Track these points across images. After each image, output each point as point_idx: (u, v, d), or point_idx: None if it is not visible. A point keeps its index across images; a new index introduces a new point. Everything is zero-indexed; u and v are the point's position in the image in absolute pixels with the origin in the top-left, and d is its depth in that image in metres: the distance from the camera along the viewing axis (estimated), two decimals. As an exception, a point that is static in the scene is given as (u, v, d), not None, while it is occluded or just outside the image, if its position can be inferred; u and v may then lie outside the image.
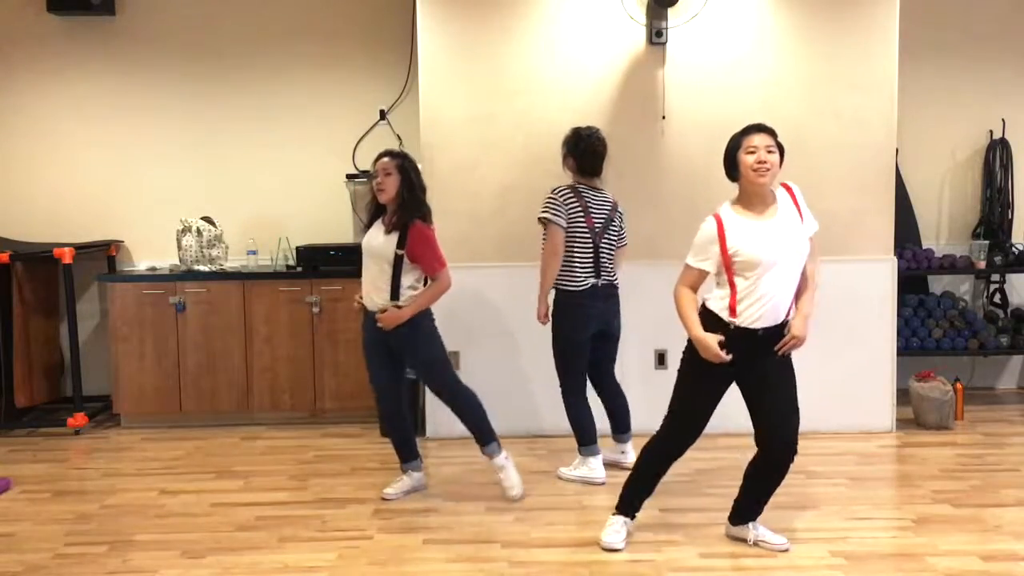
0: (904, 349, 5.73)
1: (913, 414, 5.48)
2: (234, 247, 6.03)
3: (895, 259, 5.33)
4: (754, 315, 3.46)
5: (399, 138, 6.09)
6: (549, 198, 4.43)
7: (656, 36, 5.12)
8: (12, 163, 6.20)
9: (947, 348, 5.87)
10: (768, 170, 3.47)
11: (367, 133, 6.14)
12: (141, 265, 6.18)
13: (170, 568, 3.63)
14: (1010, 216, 6.18)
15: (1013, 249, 5.97)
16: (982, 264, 5.89)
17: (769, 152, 3.49)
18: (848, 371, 5.28)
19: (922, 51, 5.91)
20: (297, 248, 5.87)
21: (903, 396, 5.50)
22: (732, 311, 3.48)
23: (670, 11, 5.08)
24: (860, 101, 5.21)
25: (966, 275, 6.23)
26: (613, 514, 3.79)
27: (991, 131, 6.18)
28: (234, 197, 6.15)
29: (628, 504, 3.78)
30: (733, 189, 5.25)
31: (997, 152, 6.16)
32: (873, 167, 5.25)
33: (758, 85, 5.21)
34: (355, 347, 5.65)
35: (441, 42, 5.24)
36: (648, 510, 4.10)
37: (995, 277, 6.24)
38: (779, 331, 3.53)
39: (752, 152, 3.49)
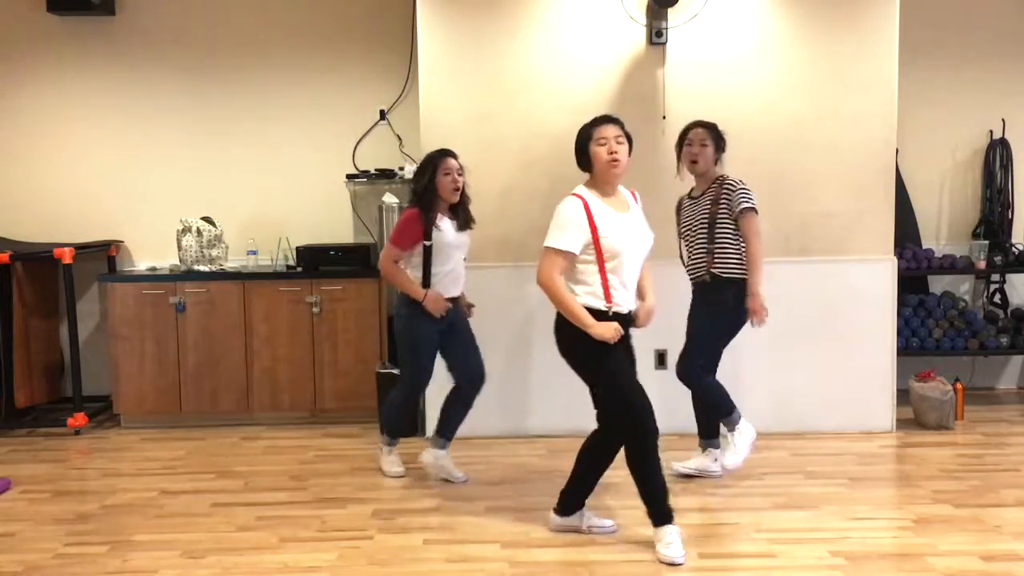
0: (904, 349, 5.73)
1: (913, 414, 5.48)
2: (234, 247, 6.03)
3: (895, 259, 5.33)
4: (620, 300, 3.65)
5: (399, 138, 6.09)
6: None
7: (656, 36, 5.12)
8: (12, 163, 6.20)
9: (947, 348, 5.87)
10: (619, 161, 3.62)
11: (367, 133, 6.14)
12: (141, 265, 6.18)
13: (170, 568, 3.63)
14: (1010, 216, 6.18)
15: (1013, 249, 5.97)
16: (982, 264, 5.89)
17: (619, 143, 3.64)
18: (848, 371, 5.28)
19: (922, 51, 5.91)
20: (297, 248, 5.87)
21: (903, 396, 5.50)
22: (607, 298, 3.62)
23: (670, 11, 5.08)
24: (860, 101, 5.21)
25: (966, 275, 6.23)
26: (664, 524, 3.65)
27: (991, 131, 6.18)
28: (234, 197, 6.15)
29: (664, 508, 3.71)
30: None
31: (997, 152, 6.16)
32: (873, 167, 5.25)
33: (758, 85, 5.22)
34: (355, 347, 5.68)
35: (441, 42, 5.24)
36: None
37: (995, 277, 6.23)
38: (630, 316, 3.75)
39: (603, 143, 3.64)
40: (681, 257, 4.64)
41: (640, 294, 3.83)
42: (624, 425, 3.66)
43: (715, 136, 4.46)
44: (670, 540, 3.60)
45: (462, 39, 5.23)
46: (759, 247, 4.30)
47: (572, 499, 3.90)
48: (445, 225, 4.44)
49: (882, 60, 5.19)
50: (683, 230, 4.56)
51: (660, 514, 3.64)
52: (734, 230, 4.34)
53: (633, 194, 3.84)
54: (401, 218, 4.51)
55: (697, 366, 4.44)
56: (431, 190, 4.40)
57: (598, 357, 3.64)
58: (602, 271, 3.61)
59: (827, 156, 5.24)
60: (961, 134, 6.20)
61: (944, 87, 6.12)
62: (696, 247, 4.44)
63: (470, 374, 4.58)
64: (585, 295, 3.62)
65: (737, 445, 4.48)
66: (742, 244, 4.34)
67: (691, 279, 4.51)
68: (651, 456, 3.63)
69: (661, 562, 3.57)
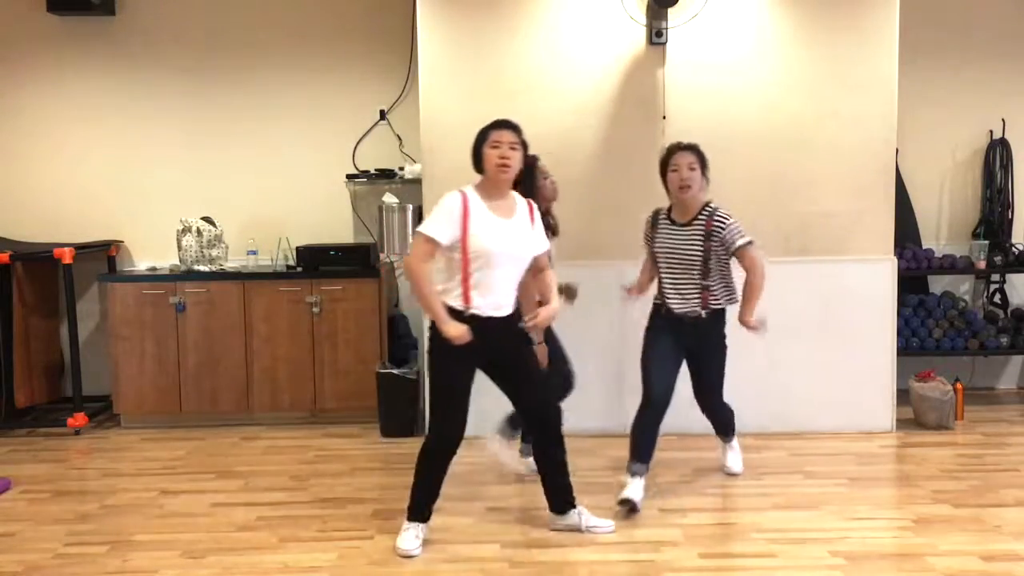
0: (904, 349, 5.73)
1: (913, 414, 5.48)
2: (234, 247, 6.02)
3: (895, 259, 5.33)
4: (483, 304, 3.63)
5: (399, 138, 6.09)
6: None
7: (656, 36, 5.12)
8: (12, 163, 6.20)
9: (947, 348, 5.87)
10: (509, 166, 3.64)
11: (367, 133, 6.14)
12: (141, 265, 6.18)
13: (170, 568, 3.64)
14: (1010, 216, 6.17)
15: (1013, 249, 5.97)
16: (982, 264, 5.89)
17: (512, 148, 3.66)
18: (848, 371, 5.28)
19: (922, 51, 5.90)
20: (297, 248, 5.87)
21: (903, 396, 5.50)
22: (465, 299, 3.63)
23: (670, 11, 5.08)
24: (860, 101, 5.21)
25: (966, 275, 6.23)
26: (408, 520, 3.80)
27: (991, 131, 6.17)
28: (234, 197, 6.14)
29: (421, 510, 3.81)
30: (733, 188, 5.27)
31: (997, 152, 6.16)
32: (873, 167, 5.25)
33: (758, 85, 5.22)
34: (355, 347, 5.67)
35: (441, 42, 5.24)
36: (648, 510, 4.12)
37: (995, 277, 6.23)
38: (510, 320, 3.73)
39: (496, 147, 3.66)
40: (661, 281, 4.32)
41: (543, 298, 3.83)
42: (430, 427, 3.76)
43: (701, 158, 4.21)
44: (405, 532, 3.76)
45: (462, 39, 5.23)
46: (761, 280, 4.18)
47: (556, 496, 3.94)
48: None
49: (882, 60, 5.19)
50: (663, 256, 4.27)
51: (413, 510, 3.79)
52: (725, 262, 4.21)
53: (531, 206, 3.82)
54: None
55: (721, 394, 4.46)
56: (535, 195, 4.31)
57: (442, 355, 3.68)
58: (465, 270, 3.62)
59: (827, 156, 5.24)
60: (961, 134, 6.20)
61: (944, 87, 6.12)
62: (686, 281, 4.20)
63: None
64: (446, 292, 3.66)
65: (737, 450, 4.67)
66: (727, 273, 4.24)
67: (676, 310, 4.23)
68: (431, 465, 3.77)
69: (397, 551, 3.70)
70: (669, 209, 4.33)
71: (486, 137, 3.69)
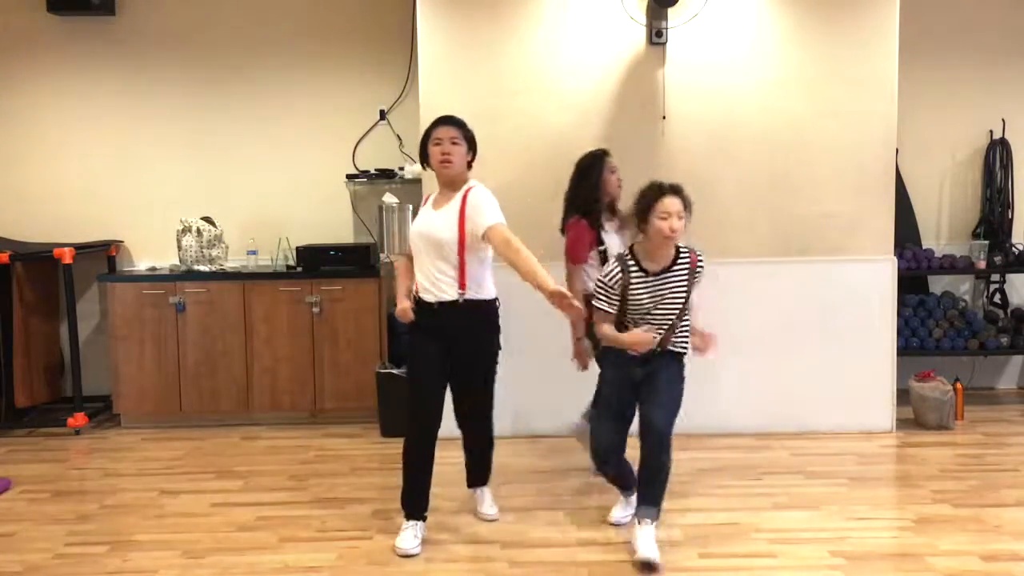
0: (904, 349, 5.73)
1: (913, 414, 5.48)
2: (234, 247, 6.03)
3: (895, 259, 5.33)
4: (423, 288, 3.80)
5: (399, 138, 6.09)
6: None
7: (656, 36, 5.12)
8: (12, 163, 6.20)
9: (947, 348, 5.86)
10: (450, 162, 3.76)
11: (367, 133, 6.14)
12: (141, 265, 6.18)
13: (170, 568, 3.64)
14: (1010, 216, 6.17)
15: (1013, 249, 5.97)
16: (982, 264, 5.88)
17: (453, 143, 3.77)
18: (848, 371, 5.28)
19: (922, 51, 5.90)
20: (297, 248, 5.87)
21: (903, 396, 5.50)
22: (417, 285, 3.85)
23: (670, 11, 5.08)
24: (860, 101, 5.21)
25: (966, 275, 6.23)
26: (406, 519, 3.85)
27: (991, 131, 6.17)
28: (234, 197, 6.15)
29: (413, 508, 3.85)
30: (733, 188, 5.28)
31: (997, 152, 6.15)
32: (873, 167, 5.25)
33: (758, 85, 5.22)
34: (355, 347, 5.67)
35: (441, 42, 5.24)
36: (648, 510, 4.11)
37: (995, 277, 6.23)
38: (462, 310, 3.74)
39: (438, 143, 3.77)
40: (628, 325, 3.77)
41: (538, 287, 3.49)
42: (407, 419, 3.86)
43: (687, 204, 3.73)
44: (403, 531, 3.80)
45: (462, 39, 5.23)
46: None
47: (472, 475, 4.17)
48: (610, 227, 4.39)
49: (882, 60, 5.19)
50: (642, 308, 3.72)
51: (406, 508, 3.85)
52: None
53: (465, 194, 3.76)
54: (570, 233, 4.28)
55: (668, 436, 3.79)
56: (599, 189, 4.35)
57: (410, 342, 3.91)
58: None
59: (827, 156, 5.24)
60: (961, 134, 6.20)
61: (944, 87, 6.11)
62: (662, 321, 3.73)
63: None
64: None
65: (651, 533, 3.88)
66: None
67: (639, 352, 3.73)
68: (411, 460, 3.82)
69: (396, 551, 3.73)
70: (632, 255, 3.78)
71: (430, 135, 3.81)
